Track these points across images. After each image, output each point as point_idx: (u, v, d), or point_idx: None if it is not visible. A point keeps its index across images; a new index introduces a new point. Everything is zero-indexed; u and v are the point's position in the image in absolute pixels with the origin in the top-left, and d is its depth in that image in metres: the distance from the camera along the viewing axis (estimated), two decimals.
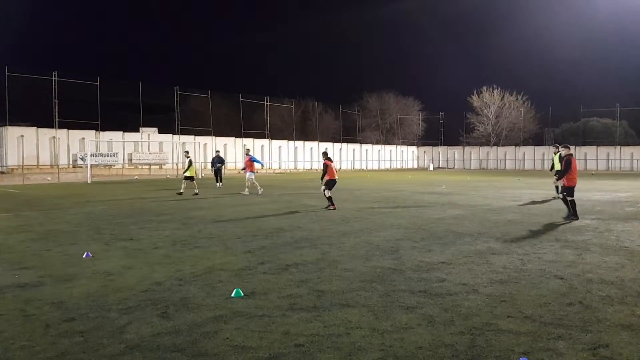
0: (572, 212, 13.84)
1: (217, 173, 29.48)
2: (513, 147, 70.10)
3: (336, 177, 17.05)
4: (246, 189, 22.83)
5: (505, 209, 16.62)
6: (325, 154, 17.68)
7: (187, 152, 24.04)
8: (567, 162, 13.84)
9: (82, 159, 40.91)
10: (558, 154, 19.36)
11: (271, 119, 60.79)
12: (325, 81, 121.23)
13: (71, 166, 41.74)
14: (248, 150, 24.73)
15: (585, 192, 24.25)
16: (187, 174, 22.50)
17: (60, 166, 39.97)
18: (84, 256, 8.96)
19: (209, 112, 53.96)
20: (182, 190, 22.27)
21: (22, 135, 39.70)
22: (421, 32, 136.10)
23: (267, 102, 60.42)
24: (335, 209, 16.27)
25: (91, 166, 36.41)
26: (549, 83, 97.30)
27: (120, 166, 43.63)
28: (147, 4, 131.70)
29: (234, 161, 52.56)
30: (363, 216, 14.66)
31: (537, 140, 73.55)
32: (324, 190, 16.78)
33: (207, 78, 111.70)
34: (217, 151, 34.74)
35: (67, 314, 5.82)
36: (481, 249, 9.56)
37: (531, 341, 4.96)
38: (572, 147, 62.80)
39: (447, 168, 71.17)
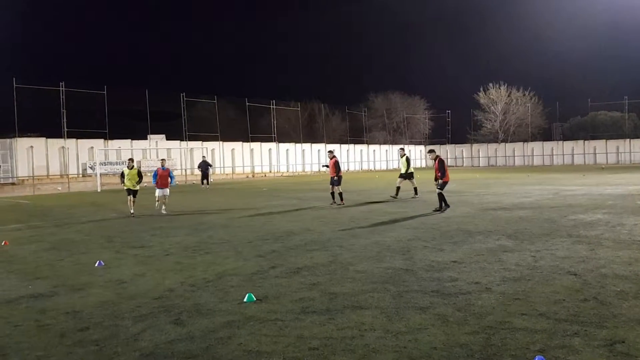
0: (445, 204, 15.28)
1: (205, 176, 33.69)
2: (521, 143, 69.77)
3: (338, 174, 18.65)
4: (163, 208, 17.63)
5: (515, 205, 16.53)
6: (331, 152, 19.71)
7: (130, 159, 18.47)
8: (441, 162, 15.45)
9: (91, 167, 41.17)
10: (405, 157, 20.47)
11: (278, 122, 60.85)
12: (331, 83, 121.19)
13: (81, 175, 42.01)
14: (163, 160, 19.96)
15: (596, 186, 24.07)
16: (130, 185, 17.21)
17: (70, 176, 40.21)
18: (96, 265, 9.00)
19: (215, 118, 54.12)
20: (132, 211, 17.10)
21: (32, 146, 40.00)
22: (424, 29, 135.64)
23: (273, 105, 60.51)
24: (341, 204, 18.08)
25: (100, 175, 36.60)
26: (556, 77, 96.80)
27: None
28: (148, 10, 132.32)
29: (241, 165, 52.71)
30: (373, 217, 14.63)
31: (545, 135, 73.29)
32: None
33: (213, 84, 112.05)
34: (204, 156, 37.98)
35: (82, 323, 5.85)
36: (493, 247, 9.51)
37: (546, 339, 4.92)
38: (580, 142, 62.83)
39: (455, 166, 70.90)
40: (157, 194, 17.72)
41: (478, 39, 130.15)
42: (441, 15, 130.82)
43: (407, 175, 20.31)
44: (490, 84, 74.60)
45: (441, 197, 15.31)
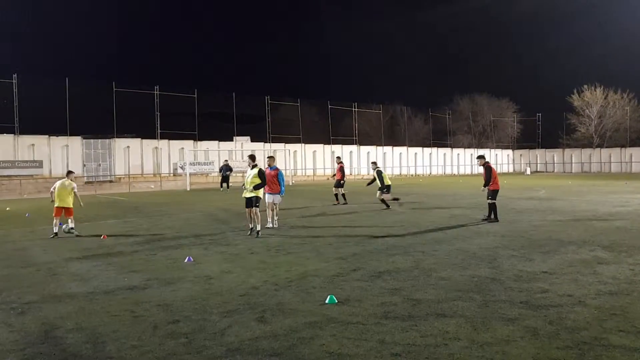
0: (494, 215, 14.49)
1: (226, 179, 33.81)
2: (618, 148, 65.58)
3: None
4: (274, 221, 14.19)
5: (612, 215, 15.56)
6: (338, 157, 21.72)
7: (254, 157, 13.50)
8: (488, 169, 14.66)
9: (181, 167, 43.07)
10: (377, 170, 18.93)
11: (359, 124, 60.94)
12: (415, 85, 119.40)
13: (172, 174, 44.05)
14: (271, 158, 14.95)
15: None
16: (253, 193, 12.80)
17: (162, 175, 42.34)
18: (185, 260, 9.40)
19: (298, 120, 55.00)
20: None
21: (128, 146, 42.44)
22: (512, 28, 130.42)
23: (355, 108, 60.66)
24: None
25: (190, 174, 38.22)
26: None
27: (216, 174, 45.44)
28: (235, 15, 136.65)
29: (322, 167, 53.18)
30: (455, 223, 14.28)
31: None
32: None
33: (296, 86, 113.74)
34: (226, 160, 37.65)
35: (172, 316, 6.13)
36: (587, 258, 9.00)
37: None
38: None
39: (546, 172, 67.84)
40: (266, 201, 14.00)
41: (571, 37, 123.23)
42: (531, 12, 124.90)
43: (387, 188, 18.65)
44: (585, 86, 70.77)
45: (491, 207, 14.53)
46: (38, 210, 20.63)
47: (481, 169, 15.08)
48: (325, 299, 6.59)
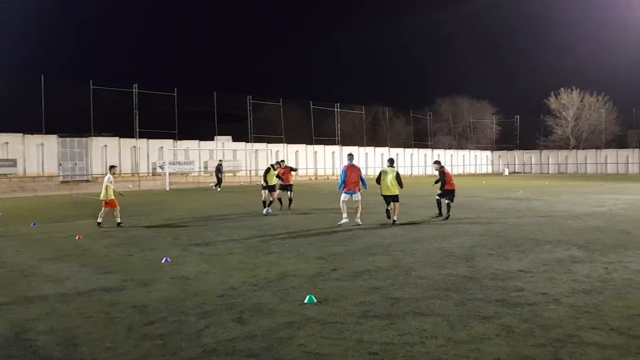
0: (446, 214, 15.20)
1: (220, 181, 33.28)
2: (594, 150, 66.72)
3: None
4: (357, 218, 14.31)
5: (587, 215, 15.82)
6: (279, 163, 19.19)
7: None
8: (442, 173, 15.67)
9: (160, 167, 42.66)
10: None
11: (342, 125, 61.02)
12: (396, 86, 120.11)
13: (151, 174, 43.59)
14: (351, 156, 15.44)
15: None
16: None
17: (140, 174, 41.87)
18: (163, 261, 9.30)
19: (280, 120, 54.87)
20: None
21: (106, 145, 41.88)
22: (491, 32, 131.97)
23: (337, 109, 60.71)
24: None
25: (169, 174, 37.88)
26: (633, 82, 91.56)
27: (196, 174, 45.11)
28: (213, 14, 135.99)
29: (305, 167, 53.16)
30: (435, 222, 14.39)
31: (620, 142, 69.58)
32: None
33: (279, 86, 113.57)
34: (220, 160, 37.05)
35: (148, 318, 6.06)
36: (562, 257, 9.13)
37: (619, 355, 4.67)
38: None
39: (524, 173, 68.71)
40: (345, 199, 14.31)
41: (548, 42, 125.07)
42: (509, 18, 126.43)
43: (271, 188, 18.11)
44: (562, 89, 71.84)
45: (439, 204, 15.65)
46: (11, 210, 20.26)
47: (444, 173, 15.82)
48: (305, 299, 6.58)
